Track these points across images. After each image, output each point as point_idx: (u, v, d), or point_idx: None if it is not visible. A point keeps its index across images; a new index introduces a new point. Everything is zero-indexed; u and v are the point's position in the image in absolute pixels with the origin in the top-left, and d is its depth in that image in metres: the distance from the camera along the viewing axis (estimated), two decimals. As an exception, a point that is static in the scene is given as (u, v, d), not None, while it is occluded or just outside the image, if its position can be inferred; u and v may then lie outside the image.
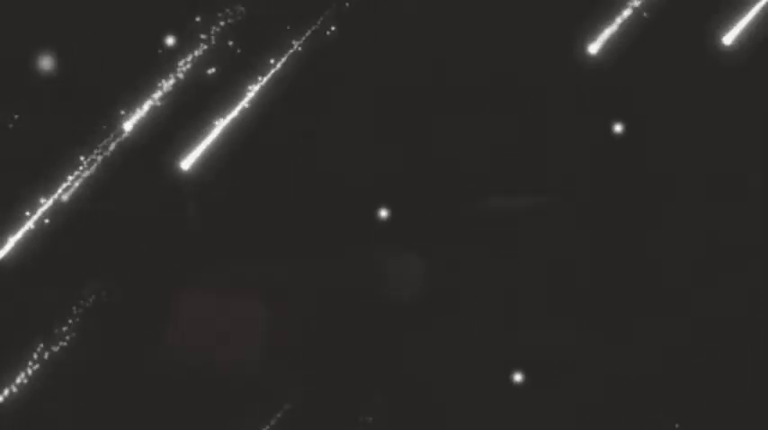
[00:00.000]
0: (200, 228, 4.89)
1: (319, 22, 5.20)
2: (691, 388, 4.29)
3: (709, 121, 4.80)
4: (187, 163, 4.69)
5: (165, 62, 5.53)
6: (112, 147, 4.73)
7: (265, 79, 5.60)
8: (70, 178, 4.64)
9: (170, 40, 5.73)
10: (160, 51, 5.44)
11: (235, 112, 5.16)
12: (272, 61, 5.10)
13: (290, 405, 3.96)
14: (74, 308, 3.92)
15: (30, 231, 4.38)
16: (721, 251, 4.65)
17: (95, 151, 4.92)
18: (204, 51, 5.30)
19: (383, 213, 5.14)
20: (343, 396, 4.05)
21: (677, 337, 4.58)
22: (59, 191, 4.80)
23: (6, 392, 3.55)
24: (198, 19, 5.31)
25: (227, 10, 5.42)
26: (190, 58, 5.33)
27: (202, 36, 5.47)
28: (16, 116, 5.23)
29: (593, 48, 6.17)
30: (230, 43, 5.16)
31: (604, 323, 4.70)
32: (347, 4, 5.15)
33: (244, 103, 5.66)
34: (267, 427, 3.89)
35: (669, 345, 4.58)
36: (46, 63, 5.54)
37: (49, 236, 4.39)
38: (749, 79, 4.68)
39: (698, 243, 4.59)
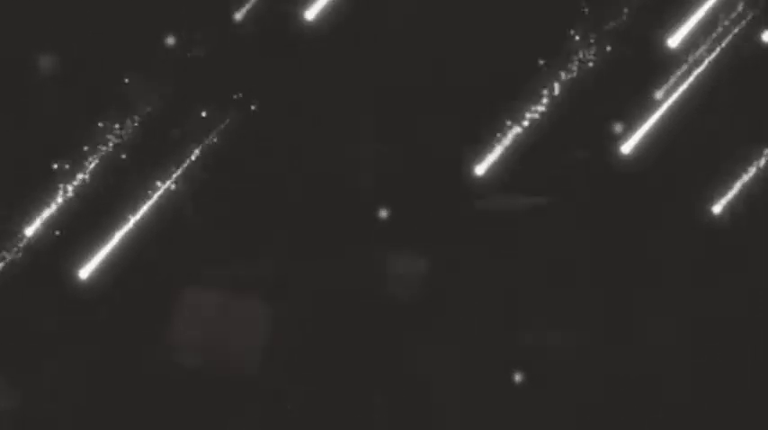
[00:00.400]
0: (200, 229, 4.90)
1: (320, 23, 5.20)
2: (690, 388, 4.29)
3: (708, 121, 4.80)
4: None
5: (168, 62, 5.53)
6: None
7: (265, 79, 5.58)
8: (81, 176, 4.65)
9: (170, 40, 5.72)
10: (162, 51, 5.44)
11: (232, 116, 5.16)
12: (270, 60, 5.10)
13: (291, 405, 3.95)
14: (73, 307, 3.92)
15: (29, 231, 4.39)
16: (721, 251, 4.65)
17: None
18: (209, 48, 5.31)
19: (383, 213, 5.15)
20: (343, 396, 4.04)
21: (677, 337, 4.58)
22: (58, 193, 4.80)
23: (6, 391, 3.56)
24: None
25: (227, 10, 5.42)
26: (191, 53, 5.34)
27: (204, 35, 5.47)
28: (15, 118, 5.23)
29: (592, 51, 6.19)
30: (231, 41, 5.17)
31: (604, 323, 4.70)
32: (348, 5, 5.15)
33: (250, 105, 5.65)
34: (267, 427, 3.89)
35: (669, 345, 4.58)
36: (45, 63, 5.54)
37: (50, 236, 4.39)
38: (749, 79, 4.69)
39: (698, 243, 4.59)
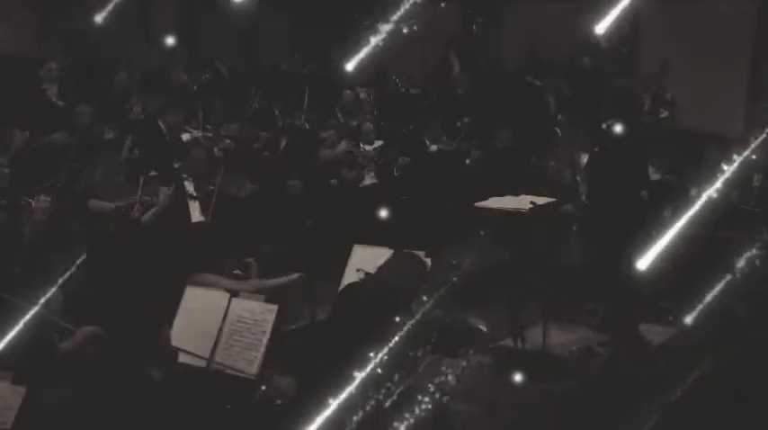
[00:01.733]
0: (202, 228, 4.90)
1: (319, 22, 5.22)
2: (690, 388, 4.30)
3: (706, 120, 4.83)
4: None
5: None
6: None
7: (265, 75, 5.58)
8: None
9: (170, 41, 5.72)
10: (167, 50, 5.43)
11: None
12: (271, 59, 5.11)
13: (290, 405, 3.94)
14: (73, 305, 3.92)
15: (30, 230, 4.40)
16: (719, 251, 4.68)
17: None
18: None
19: (383, 213, 5.16)
20: (341, 395, 4.04)
21: (678, 337, 4.61)
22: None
23: (5, 390, 3.54)
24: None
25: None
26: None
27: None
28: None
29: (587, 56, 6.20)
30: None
31: (605, 323, 4.72)
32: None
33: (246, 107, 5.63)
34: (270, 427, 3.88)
35: (670, 345, 4.61)
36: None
37: (49, 234, 4.40)
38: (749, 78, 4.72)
39: (696, 243, 4.61)
